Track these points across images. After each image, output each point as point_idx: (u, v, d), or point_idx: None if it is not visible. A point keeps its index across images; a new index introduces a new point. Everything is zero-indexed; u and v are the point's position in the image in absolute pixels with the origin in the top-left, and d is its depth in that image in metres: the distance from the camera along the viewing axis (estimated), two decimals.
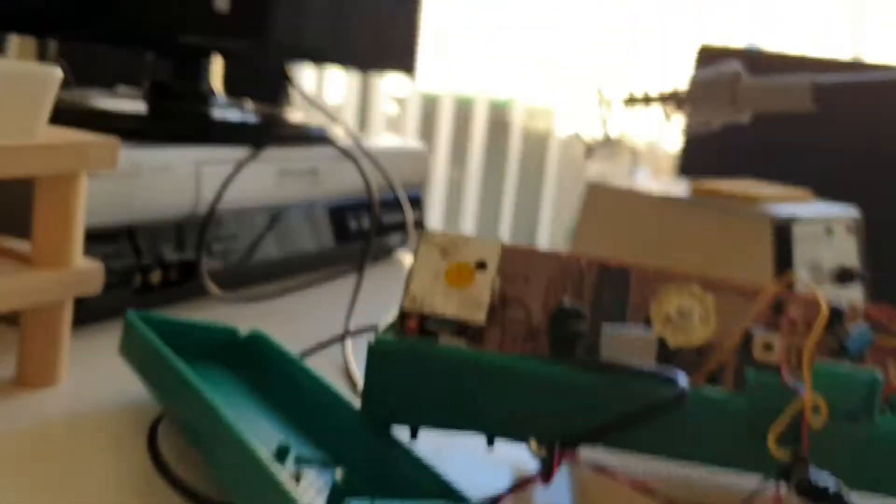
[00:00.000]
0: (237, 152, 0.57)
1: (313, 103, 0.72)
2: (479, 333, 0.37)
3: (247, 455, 0.29)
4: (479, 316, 0.36)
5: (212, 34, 0.58)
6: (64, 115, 0.49)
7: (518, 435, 0.35)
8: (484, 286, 0.37)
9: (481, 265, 0.38)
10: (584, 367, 0.35)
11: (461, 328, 0.36)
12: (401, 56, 0.75)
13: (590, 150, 0.63)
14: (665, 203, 0.58)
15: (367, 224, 0.69)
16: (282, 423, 0.38)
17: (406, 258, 0.77)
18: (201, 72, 0.64)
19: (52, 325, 0.40)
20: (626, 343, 0.36)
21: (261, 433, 0.37)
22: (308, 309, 0.57)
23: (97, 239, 0.47)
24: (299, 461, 0.33)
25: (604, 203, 0.60)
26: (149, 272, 0.51)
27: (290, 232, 0.62)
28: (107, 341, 0.46)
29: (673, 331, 0.37)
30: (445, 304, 0.36)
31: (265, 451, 0.29)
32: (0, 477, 0.32)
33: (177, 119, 0.61)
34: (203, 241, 0.52)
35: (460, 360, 0.34)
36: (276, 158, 0.60)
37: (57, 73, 0.37)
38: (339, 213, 0.67)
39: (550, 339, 0.36)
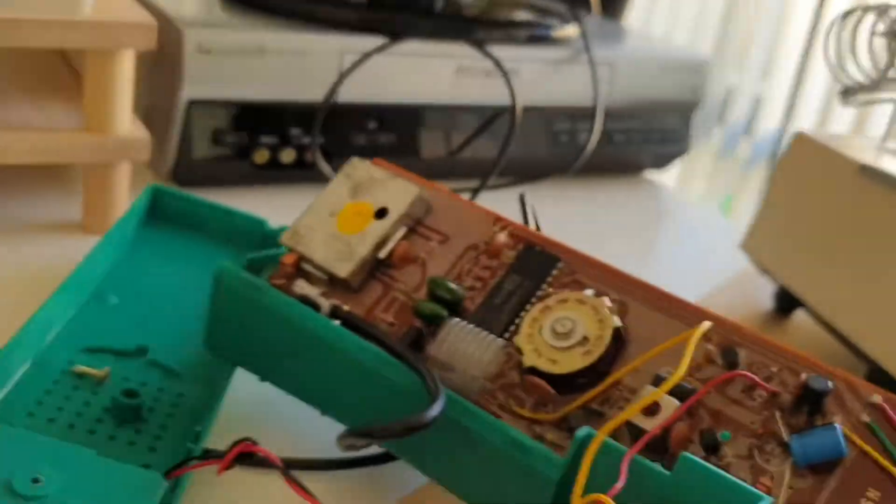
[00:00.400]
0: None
1: None
2: (349, 288, 0.32)
3: None
4: (343, 269, 0.32)
5: None
6: None
7: (326, 411, 0.31)
8: (372, 236, 0.32)
9: (381, 212, 0.33)
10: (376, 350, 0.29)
11: (332, 278, 0.32)
12: None
13: (848, 91, 0.48)
14: (869, 175, 0.42)
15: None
16: None
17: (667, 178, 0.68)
18: None
19: (107, 183, 0.44)
20: (464, 343, 0.28)
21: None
22: None
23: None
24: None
25: (808, 160, 0.46)
26: (278, 150, 0.53)
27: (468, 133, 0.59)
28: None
29: (536, 347, 0.28)
30: (321, 247, 0.32)
31: None
32: None
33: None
34: (317, 124, 0.52)
35: (278, 313, 0.30)
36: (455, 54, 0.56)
37: None
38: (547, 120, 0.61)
39: (414, 314, 0.30)
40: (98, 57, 0.42)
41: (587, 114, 0.62)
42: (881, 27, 0.48)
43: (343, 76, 0.52)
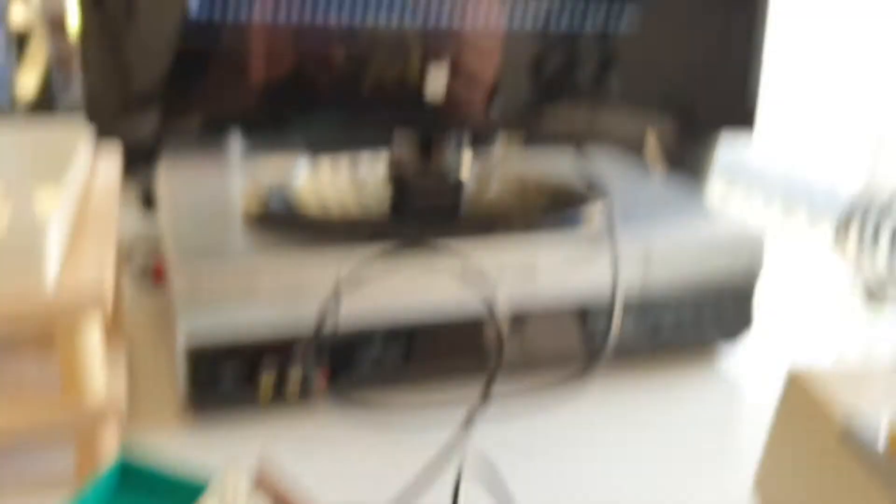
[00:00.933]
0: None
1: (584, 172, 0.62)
2: None
3: None
4: None
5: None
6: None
7: None
8: None
9: None
10: None
11: None
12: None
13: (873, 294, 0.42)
14: (850, 444, 0.36)
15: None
16: None
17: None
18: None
19: (94, 441, 0.46)
20: None
21: None
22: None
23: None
24: None
25: (800, 407, 0.40)
26: (281, 383, 0.53)
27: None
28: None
29: None
30: None
31: None
32: None
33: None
34: (313, 351, 0.52)
35: None
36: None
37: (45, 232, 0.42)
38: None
39: None
40: (63, 330, 0.44)
41: (628, 304, 0.58)
42: None
43: (338, 300, 0.52)
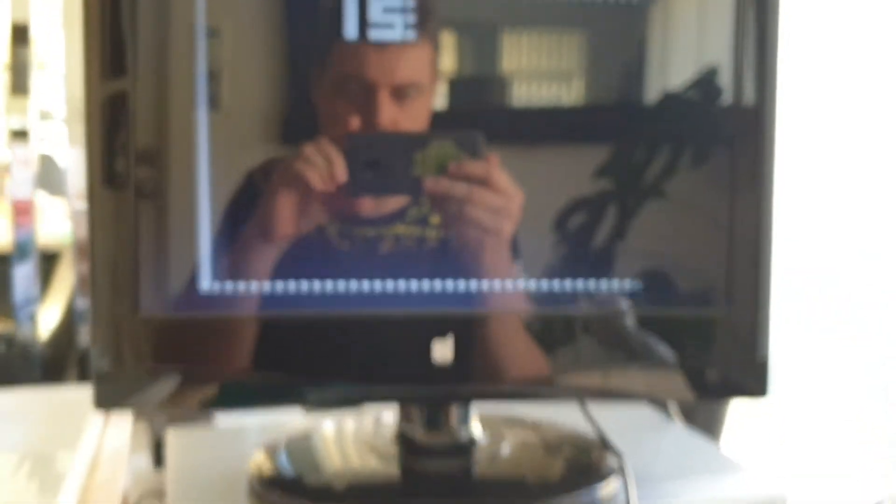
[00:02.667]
0: None
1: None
2: None
3: None
4: None
5: None
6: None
7: None
8: None
9: None
10: None
11: None
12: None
13: None
14: None
15: None
16: None
17: None
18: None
19: None
20: None
21: None
22: None
23: None
24: None
25: None
26: None
27: None
28: None
29: None
30: None
31: None
32: None
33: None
34: None
35: None
36: None
37: None
38: None
39: None
40: None
41: None
42: None
43: None
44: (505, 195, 0.55)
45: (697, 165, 0.58)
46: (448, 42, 0.56)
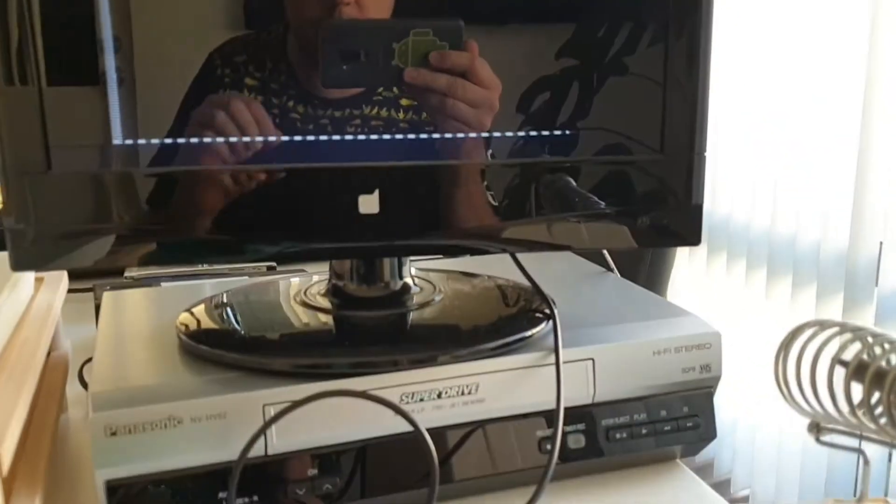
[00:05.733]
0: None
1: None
2: None
3: None
4: None
5: None
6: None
7: None
8: None
9: None
10: None
11: None
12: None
13: (819, 427, 0.40)
14: None
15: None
16: None
17: None
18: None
19: None
20: None
21: None
22: None
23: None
24: None
25: None
26: None
27: None
28: None
29: None
30: None
31: None
32: None
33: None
34: (233, 488, 0.49)
35: None
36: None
37: None
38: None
39: None
40: None
41: (575, 415, 0.56)
42: (845, 354, 0.40)
43: (262, 430, 0.50)
44: (487, 86, 0.53)
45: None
46: None
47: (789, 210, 1.64)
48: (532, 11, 0.55)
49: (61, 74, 0.53)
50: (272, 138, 0.54)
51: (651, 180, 0.58)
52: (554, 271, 0.75)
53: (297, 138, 0.54)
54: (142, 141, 0.54)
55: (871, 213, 1.45)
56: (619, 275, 0.74)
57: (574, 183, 0.58)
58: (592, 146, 0.57)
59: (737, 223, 1.80)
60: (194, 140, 0.54)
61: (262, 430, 0.50)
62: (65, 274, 0.71)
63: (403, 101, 0.54)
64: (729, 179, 1.81)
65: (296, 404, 0.50)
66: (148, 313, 0.65)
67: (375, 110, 0.55)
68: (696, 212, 0.59)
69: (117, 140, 0.54)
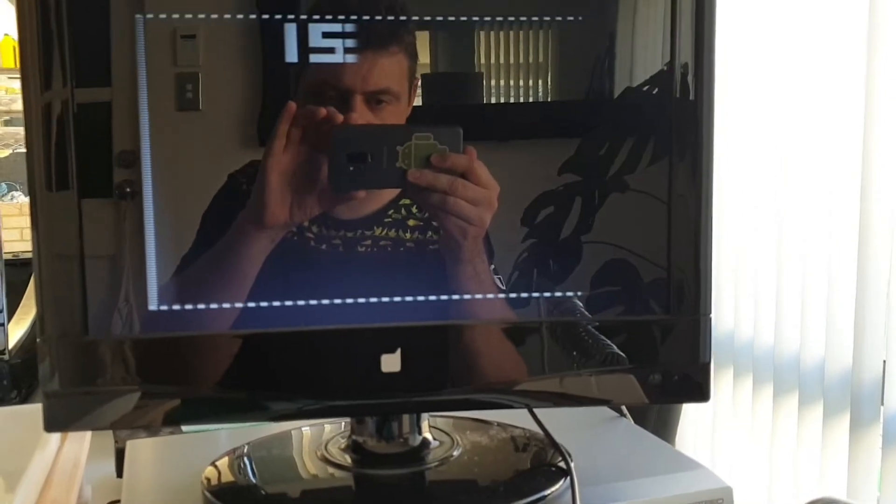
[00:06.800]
0: None
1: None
2: None
3: None
4: None
5: None
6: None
7: None
8: None
9: None
10: None
11: None
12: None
13: None
14: None
15: None
16: None
17: None
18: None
19: None
20: None
21: None
22: None
23: None
24: None
25: None
26: None
27: None
28: None
29: None
30: None
31: None
32: None
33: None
34: None
35: None
36: None
37: None
38: None
39: None
40: None
41: None
42: None
43: None
44: (485, 186, 0.57)
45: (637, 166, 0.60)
46: (422, 45, 0.57)
47: (793, 326, 1.66)
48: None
49: (99, 244, 0.56)
50: (301, 302, 0.57)
51: (661, 340, 0.61)
52: (566, 414, 0.76)
53: (325, 301, 0.57)
54: (176, 307, 0.57)
55: (872, 330, 1.47)
56: (631, 420, 0.75)
57: (590, 339, 0.60)
58: (606, 305, 0.60)
59: (741, 339, 1.82)
60: (226, 305, 0.57)
61: None
62: None
63: (410, 222, 0.57)
64: (731, 294, 1.83)
65: None
66: (172, 464, 0.67)
67: (385, 231, 0.57)
68: (704, 370, 0.61)
69: (153, 306, 0.56)
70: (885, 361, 1.51)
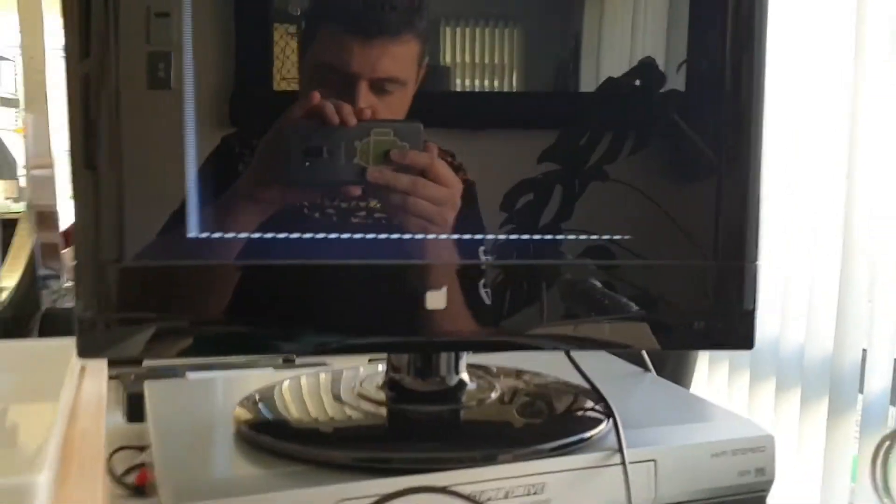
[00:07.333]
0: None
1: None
2: None
3: None
4: None
5: None
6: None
7: None
8: None
9: None
10: None
11: None
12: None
13: None
14: None
15: None
16: None
17: None
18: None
19: None
20: None
21: None
22: None
23: None
24: None
25: None
26: None
27: None
28: None
29: None
30: None
31: None
32: None
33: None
34: None
35: None
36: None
37: (37, 482, 0.39)
38: None
39: None
40: None
41: None
42: None
43: None
44: (446, 184, 0.55)
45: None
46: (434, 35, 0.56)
47: (772, 312, 1.68)
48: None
49: (138, 168, 0.53)
50: (345, 235, 0.55)
51: (706, 287, 0.60)
52: (592, 370, 0.75)
53: (370, 236, 0.56)
54: (216, 235, 0.55)
55: (854, 318, 1.49)
56: (655, 374, 0.75)
57: (636, 284, 0.59)
58: (652, 250, 0.59)
59: None
60: (268, 235, 0.55)
61: None
62: (105, 363, 0.70)
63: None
64: None
65: (390, 496, 0.49)
66: (197, 405, 0.65)
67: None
68: (749, 317, 0.61)
69: (192, 233, 0.54)
70: (864, 350, 1.54)
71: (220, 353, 0.57)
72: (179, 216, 0.54)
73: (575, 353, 0.80)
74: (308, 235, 0.55)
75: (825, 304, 1.56)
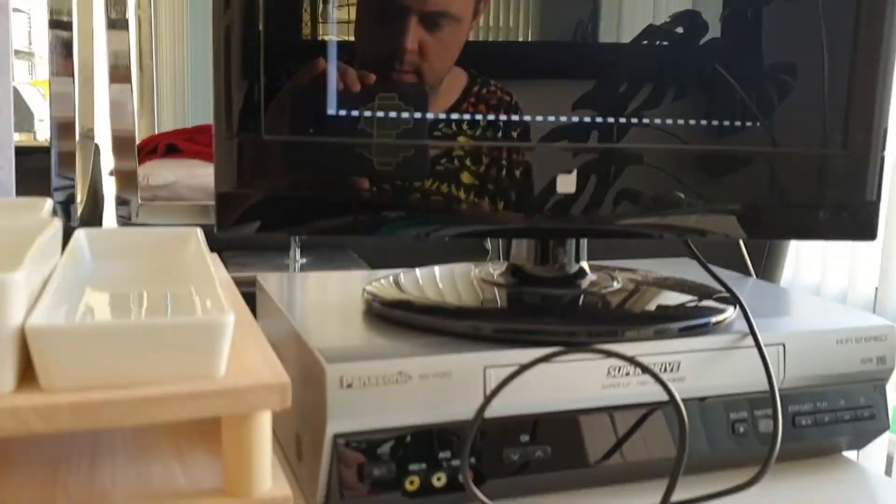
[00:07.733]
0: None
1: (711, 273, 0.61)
2: None
3: None
4: None
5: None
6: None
7: None
8: None
9: None
10: None
11: None
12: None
13: None
14: None
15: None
16: None
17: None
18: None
19: None
20: None
21: None
22: None
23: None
24: None
25: None
26: (429, 476, 0.50)
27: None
28: None
29: None
30: None
31: None
32: None
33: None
34: (468, 447, 0.49)
35: None
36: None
37: (229, 320, 0.40)
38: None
39: None
40: (233, 421, 0.41)
41: (764, 399, 0.57)
42: None
43: (492, 394, 0.50)
44: None
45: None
46: None
47: None
48: None
49: (280, 44, 0.54)
50: (491, 117, 0.55)
51: (834, 176, 0.60)
52: (694, 277, 0.76)
53: (503, 118, 0.56)
54: (355, 113, 0.55)
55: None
56: (756, 278, 0.75)
57: (764, 170, 0.59)
58: (780, 138, 0.59)
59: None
60: (405, 115, 0.55)
61: (499, 388, 0.50)
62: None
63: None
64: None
65: (526, 366, 0.50)
66: (318, 293, 0.65)
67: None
68: (873, 208, 0.61)
69: (332, 110, 0.55)
70: None
71: (355, 234, 0.57)
72: (320, 93, 0.54)
73: (670, 262, 0.80)
74: (444, 116, 0.55)
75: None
